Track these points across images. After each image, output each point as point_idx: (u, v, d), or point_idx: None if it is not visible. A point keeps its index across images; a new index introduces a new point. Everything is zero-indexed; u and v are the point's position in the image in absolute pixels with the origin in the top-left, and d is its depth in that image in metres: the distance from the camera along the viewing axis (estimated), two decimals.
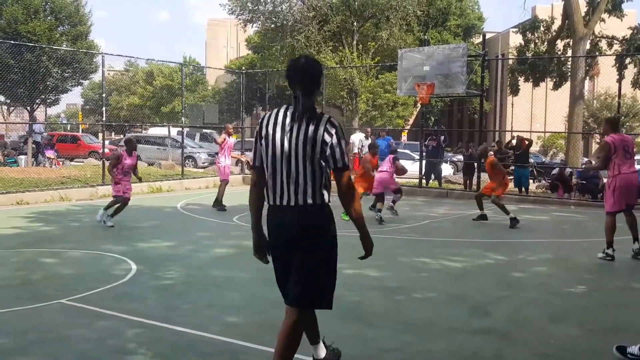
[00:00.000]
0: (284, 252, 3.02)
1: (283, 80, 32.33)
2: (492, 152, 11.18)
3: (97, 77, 33.28)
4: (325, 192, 2.99)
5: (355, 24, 29.42)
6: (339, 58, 28.56)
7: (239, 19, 30.55)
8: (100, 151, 17.15)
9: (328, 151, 2.89)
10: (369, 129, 18.01)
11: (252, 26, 32.18)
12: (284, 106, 3.03)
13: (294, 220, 2.93)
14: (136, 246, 7.48)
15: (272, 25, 29.99)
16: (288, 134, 2.91)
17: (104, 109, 15.02)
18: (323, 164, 2.92)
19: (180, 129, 19.64)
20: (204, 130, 28.29)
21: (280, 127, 2.94)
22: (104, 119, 15.14)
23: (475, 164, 15.53)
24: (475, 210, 10.64)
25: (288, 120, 2.94)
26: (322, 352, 3.44)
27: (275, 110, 3.03)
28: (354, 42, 29.49)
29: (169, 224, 9.57)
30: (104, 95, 15.20)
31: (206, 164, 23.53)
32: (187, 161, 21.48)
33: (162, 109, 47.31)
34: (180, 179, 15.70)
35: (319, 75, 3.02)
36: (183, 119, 18.34)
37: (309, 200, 2.92)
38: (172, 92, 46.06)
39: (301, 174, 2.91)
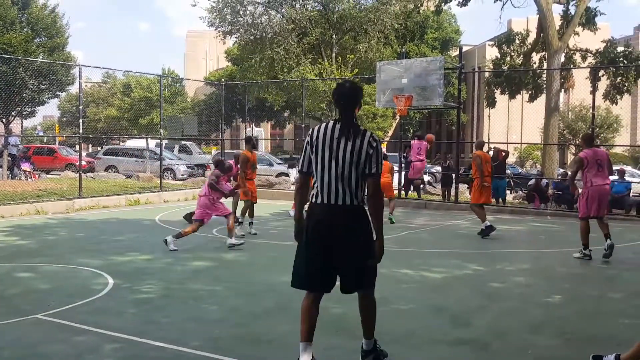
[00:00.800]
0: (328, 242, 3.49)
1: (263, 92, 32.46)
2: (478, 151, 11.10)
3: (74, 89, 32.93)
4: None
5: (334, 36, 29.67)
6: (319, 70, 28.73)
7: (219, 31, 30.58)
8: (77, 163, 16.89)
9: (369, 160, 3.46)
10: None
11: (231, 38, 32.22)
12: (331, 121, 3.57)
13: (344, 218, 3.49)
14: (113, 260, 7.37)
15: (252, 38, 30.09)
16: (336, 145, 3.46)
17: (80, 121, 14.84)
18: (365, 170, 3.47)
19: (159, 140, 19.47)
20: (183, 142, 28.09)
21: (329, 139, 3.48)
22: (81, 131, 14.93)
23: (453, 175, 15.71)
24: (452, 221, 10.73)
25: (337, 133, 3.48)
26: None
27: (324, 125, 3.57)
28: (333, 54, 29.72)
29: (147, 237, 9.45)
30: (81, 107, 15.01)
31: (185, 176, 23.35)
32: (165, 173, 21.28)
33: (140, 121, 46.90)
34: (158, 191, 15.55)
35: (359, 97, 3.60)
36: (162, 130, 18.21)
37: (355, 202, 3.48)
38: (151, 104, 45.73)
39: (349, 178, 3.46)
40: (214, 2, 29.00)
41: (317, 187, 3.54)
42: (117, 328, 4.57)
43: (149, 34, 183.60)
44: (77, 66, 17.57)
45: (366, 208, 3.54)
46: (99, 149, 31.64)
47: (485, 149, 11.18)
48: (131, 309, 5.16)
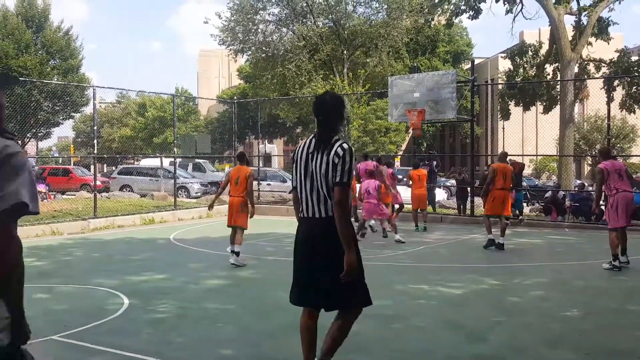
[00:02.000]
0: (308, 256, 3.45)
1: (275, 108, 32.65)
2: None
3: (88, 110, 33.42)
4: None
5: (345, 52, 29.84)
6: (330, 86, 28.85)
7: (230, 49, 30.91)
8: (92, 184, 17.08)
9: (334, 169, 3.35)
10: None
11: (242, 56, 32.54)
12: (310, 137, 3.60)
13: (320, 230, 3.41)
14: (128, 280, 7.40)
15: (263, 55, 30.34)
16: (311, 158, 3.47)
17: (95, 141, 15.01)
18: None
19: (173, 159, 19.64)
20: (197, 160, 28.29)
21: (306, 154, 3.52)
22: (95, 151, 15.12)
23: (469, 188, 15.59)
24: (468, 235, 10.62)
25: (312, 147, 3.51)
26: None
27: (305, 140, 3.63)
28: (345, 70, 29.86)
29: (162, 256, 9.48)
30: (95, 127, 15.20)
31: (199, 194, 23.47)
32: (179, 191, 21.43)
33: (154, 140, 47.38)
34: (172, 209, 15.63)
35: (338, 108, 3.54)
36: (175, 149, 18.36)
37: (330, 213, 3.39)
38: (164, 123, 46.21)
39: (320, 190, 3.42)
40: (225, 20, 29.37)
41: (301, 202, 3.56)
42: (132, 348, 4.56)
43: (161, 53, 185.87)
44: (91, 87, 17.85)
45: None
46: (113, 168, 31.97)
47: (507, 159, 11.16)
48: (146, 329, 5.16)
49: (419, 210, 12.92)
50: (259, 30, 29.76)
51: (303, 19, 29.79)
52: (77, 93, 25.14)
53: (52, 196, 20.94)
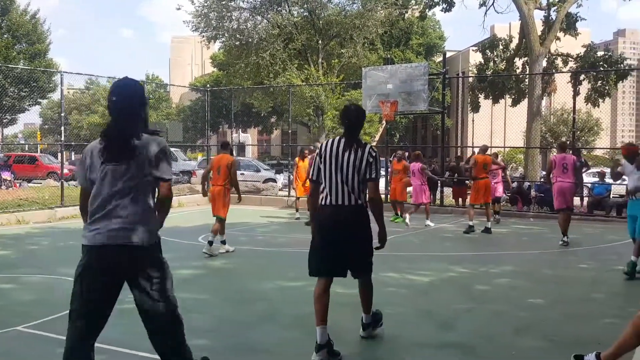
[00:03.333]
0: (335, 236, 4.13)
1: (249, 97, 32.39)
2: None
3: (56, 96, 32.60)
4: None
5: (320, 42, 29.74)
6: (305, 76, 28.75)
7: (203, 36, 30.47)
8: (59, 172, 16.70)
9: (369, 167, 4.13)
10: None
11: (215, 43, 32.13)
12: (337, 137, 4.26)
13: (348, 215, 4.14)
14: None
15: (237, 43, 30.01)
16: (342, 156, 4.13)
17: (62, 128, 14.67)
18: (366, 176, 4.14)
19: None
20: None
21: (336, 151, 4.16)
22: (63, 138, 14.76)
23: (439, 180, 15.80)
24: (438, 224, 10.78)
25: (342, 147, 4.16)
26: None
27: (331, 140, 4.25)
28: (319, 60, 29.78)
29: None
30: (63, 114, 14.84)
31: None
32: None
33: None
34: None
35: (361, 118, 4.30)
36: None
37: (358, 201, 4.14)
38: None
39: (352, 182, 4.13)
40: (199, 6, 28.92)
41: (325, 191, 4.19)
42: (101, 339, 4.46)
43: (133, 41, 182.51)
44: (58, 73, 17.40)
45: (365, 206, 4.20)
46: (80, 156, 31.29)
47: (488, 152, 11.82)
48: (115, 320, 5.04)
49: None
50: (233, 17, 29.40)
51: (278, 7, 29.55)
52: (44, 78, 24.47)
53: (18, 184, 20.40)
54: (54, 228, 11.33)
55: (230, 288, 6.42)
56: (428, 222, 11.85)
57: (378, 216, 4.23)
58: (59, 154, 18.57)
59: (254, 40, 28.76)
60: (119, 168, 3.04)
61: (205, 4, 28.84)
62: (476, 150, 12.08)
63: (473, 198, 11.12)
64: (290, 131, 20.95)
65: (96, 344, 4.38)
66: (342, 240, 4.14)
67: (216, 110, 41.39)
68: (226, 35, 29.80)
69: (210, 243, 8.24)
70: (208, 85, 29.54)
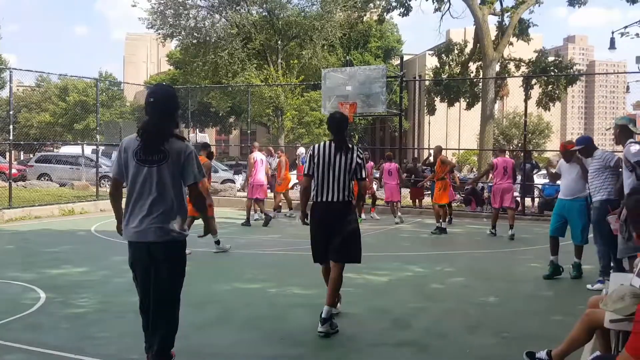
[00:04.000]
0: (327, 229, 4.77)
1: (206, 96, 31.97)
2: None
3: (4, 93, 31.31)
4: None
5: (279, 42, 29.65)
6: (264, 76, 28.61)
7: (159, 34, 29.88)
8: (7, 172, 16.03)
9: (358, 168, 4.79)
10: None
11: (172, 41, 31.57)
12: (328, 141, 4.87)
13: (339, 210, 4.78)
14: (46, 273, 7.03)
15: (194, 41, 29.58)
16: (333, 158, 4.76)
17: (11, 126, 14.09)
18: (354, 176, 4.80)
19: (95, 147, 18.76)
20: None
21: (327, 153, 4.78)
22: (11, 137, 14.19)
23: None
24: (395, 225, 10.91)
25: (333, 150, 4.78)
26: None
27: (322, 144, 4.87)
28: (279, 60, 29.69)
29: (82, 249, 9.07)
30: (11, 112, 14.27)
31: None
32: (102, 181, 20.51)
33: (75, 126, 45.03)
34: (94, 200, 14.98)
35: (345, 123, 4.95)
36: (98, 136, 17.56)
37: (347, 198, 4.77)
38: (87, 109, 44.01)
39: (342, 181, 4.76)
40: (155, 3, 28.36)
41: (316, 189, 4.77)
42: (50, 344, 4.35)
43: (86, 38, 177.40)
44: (7, 69, 16.73)
45: (352, 202, 4.83)
46: (31, 156, 30.14)
47: (444, 153, 12.24)
48: (65, 324, 4.94)
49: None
50: (190, 15, 28.96)
51: (236, 6, 29.28)
52: None
53: None
54: (1, 230, 10.87)
55: (183, 290, 6.30)
56: (397, 220, 12.65)
57: (360, 205, 4.98)
58: (7, 154, 17.83)
59: (212, 39, 28.42)
60: (151, 170, 3.49)
61: (162, 1, 28.31)
62: (432, 152, 12.32)
63: (438, 197, 11.30)
64: (249, 131, 20.74)
65: (38, 349, 4.26)
66: (334, 232, 4.73)
67: None
68: (183, 33, 29.33)
69: (218, 242, 8.64)
70: (164, 83, 28.96)
